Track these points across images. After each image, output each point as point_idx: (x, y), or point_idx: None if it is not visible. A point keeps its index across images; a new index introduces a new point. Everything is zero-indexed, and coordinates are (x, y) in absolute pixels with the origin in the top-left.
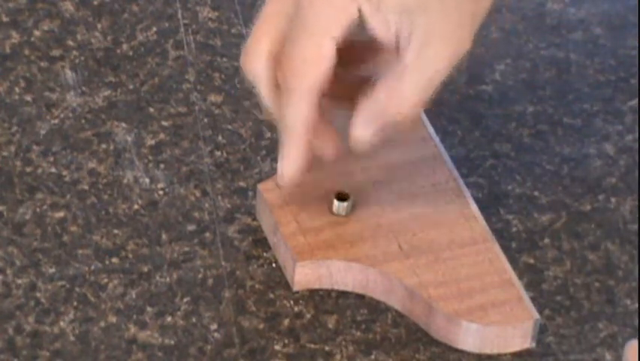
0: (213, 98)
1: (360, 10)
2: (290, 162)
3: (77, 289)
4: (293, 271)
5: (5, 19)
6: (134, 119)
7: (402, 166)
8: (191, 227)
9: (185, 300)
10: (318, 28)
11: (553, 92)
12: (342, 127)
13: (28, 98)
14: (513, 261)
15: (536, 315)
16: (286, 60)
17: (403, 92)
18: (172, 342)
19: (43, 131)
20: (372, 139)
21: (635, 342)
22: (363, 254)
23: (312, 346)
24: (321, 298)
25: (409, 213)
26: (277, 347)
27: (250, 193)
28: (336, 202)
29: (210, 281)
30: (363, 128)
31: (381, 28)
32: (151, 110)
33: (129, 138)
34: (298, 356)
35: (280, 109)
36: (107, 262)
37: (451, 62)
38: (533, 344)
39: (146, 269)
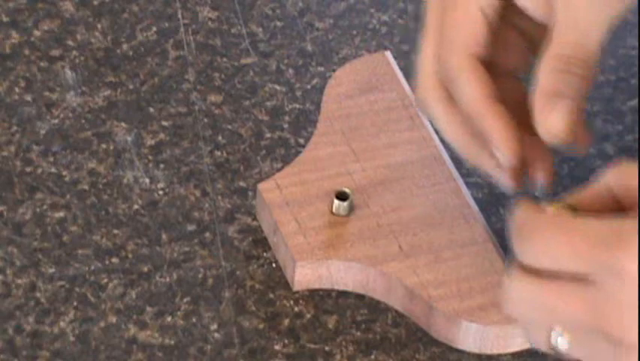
0: (213, 98)
1: None
2: (501, 144)
3: (77, 289)
4: (293, 271)
5: (5, 19)
6: (134, 119)
7: (402, 166)
8: (191, 227)
9: (185, 300)
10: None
11: None
12: None
13: (28, 98)
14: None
15: None
16: (440, 46)
17: (567, 37)
18: (172, 342)
19: (43, 131)
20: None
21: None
22: (363, 254)
23: (312, 346)
24: (321, 298)
25: (409, 213)
26: (277, 347)
27: (250, 193)
28: (336, 202)
29: (210, 281)
30: (550, 98)
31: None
32: (151, 110)
33: (129, 138)
34: (298, 356)
35: (462, 133)
36: (107, 262)
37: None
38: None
39: (146, 269)
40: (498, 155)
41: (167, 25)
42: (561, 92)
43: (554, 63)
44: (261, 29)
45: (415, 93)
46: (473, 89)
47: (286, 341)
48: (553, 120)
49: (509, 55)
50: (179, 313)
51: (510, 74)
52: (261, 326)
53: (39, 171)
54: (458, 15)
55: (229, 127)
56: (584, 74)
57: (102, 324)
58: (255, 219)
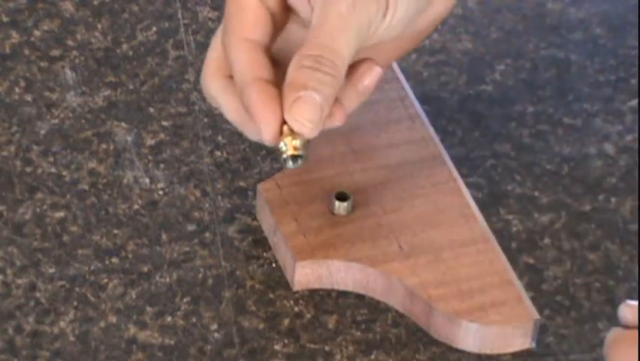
0: None
1: None
2: (258, 121)
3: (77, 289)
4: (293, 271)
5: (5, 19)
6: (134, 119)
7: (402, 166)
8: (191, 227)
9: (185, 300)
10: None
11: (553, 92)
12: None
13: (28, 98)
14: (513, 261)
15: (536, 315)
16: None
17: (316, 39)
18: (172, 342)
19: (43, 131)
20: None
21: (632, 303)
22: (363, 254)
23: (312, 346)
24: (321, 298)
25: (409, 213)
26: (277, 347)
27: (250, 193)
28: (336, 202)
29: (210, 281)
30: (292, 89)
31: None
32: (151, 110)
33: (129, 138)
34: (298, 356)
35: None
36: (107, 262)
37: (352, 4)
38: (533, 344)
39: (146, 269)
40: (259, 135)
41: (167, 25)
42: (308, 86)
43: (304, 61)
44: None
45: (200, 77)
46: (242, 69)
47: (286, 341)
48: (298, 110)
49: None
50: (179, 313)
51: None
52: (261, 326)
53: (39, 171)
54: (236, 3)
55: (229, 127)
56: (332, 73)
57: (102, 324)
58: (255, 219)
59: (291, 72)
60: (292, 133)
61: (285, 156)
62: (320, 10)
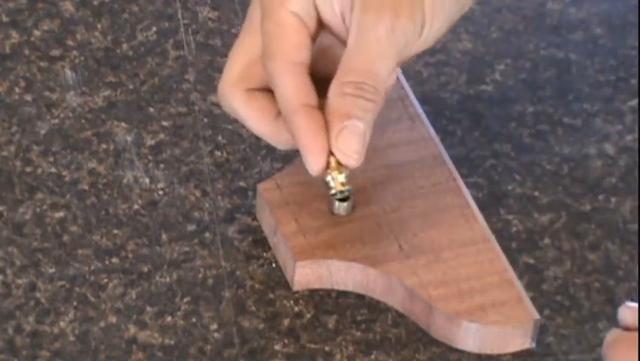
0: (213, 98)
1: None
2: (306, 153)
3: (77, 289)
4: (293, 271)
5: (5, 19)
6: (134, 119)
7: (402, 166)
8: (191, 227)
9: (185, 300)
10: (274, 3)
11: (553, 92)
12: None
13: (28, 98)
14: (513, 261)
15: (536, 315)
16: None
17: (355, 64)
18: (172, 342)
19: (43, 131)
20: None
21: (632, 304)
22: (363, 254)
23: (312, 346)
24: (321, 298)
25: (409, 213)
26: (277, 347)
27: (250, 193)
28: (336, 202)
29: (210, 281)
30: (338, 119)
31: (327, 10)
32: (151, 110)
33: (129, 138)
34: (298, 356)
35: (267, 123)
36: (107, 262)
37: (391, 29)
38: (533, 344)
39: (146, 269)
40: (305, 164)
41: (167, 25)
42: (352, 115)
43: (346, 88)
44: None
45: (218, 87)
46: (289, 94)
47: (286, 341)
48: (344, 142)
49: (330, 61)
50: (179, 313)
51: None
52: (261, 326)
53: (39, 171)
54: (276, 24)
55: (229, 127)
56: (374, 99)
57: (102, 324)
58: (255, 219)
59: (333, 99)
60: (338, 166)
61: (333, 191)
62: (357, 34)
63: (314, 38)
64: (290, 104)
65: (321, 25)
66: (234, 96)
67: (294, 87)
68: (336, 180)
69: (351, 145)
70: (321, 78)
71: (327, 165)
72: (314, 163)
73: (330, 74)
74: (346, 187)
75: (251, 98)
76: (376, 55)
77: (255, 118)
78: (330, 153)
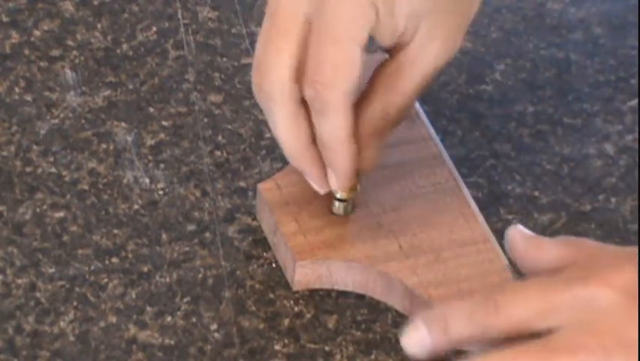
0: (213, 98)
1: (377, 14)
2: (343, 177)
3: (77, 289)
4: (293, 271)
5: (5, 19)
6: (134, 119)
7: (402, 166)
8: (191, 227)
9: (185, 300)
10: (345, 34)
11: (553, 92)
12: None
13: (28, 98)
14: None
15: None
16: (314, 71)
17: (401, 87)
18: (172, 342)
19: (43, 131)
20: (380, 148)
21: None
22: (363, 254)
23: (312, 346)
24: (321, 298)
25: (409, 213)
26: (277, 347)
27: (250, 193)
28: (336, 202)
29: (210, 281)
30: (373, 140)
31: (388, 31)
32: (151, 110)
33: (129, 138)
34: (298, 356)
35: (301, 132)
36: (107, 262)
37: (448, 59)
38: None
39: (146, 269)
40: (332, 185)
41: (167, 25)
42: (384, 138)
43: (376, 114)
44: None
45: (263, 84)
46: (340, 127)
47: (286, 341)
48: (371, 160)
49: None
50: (179, 313)
51: None
52: (261, 326)
53: (39, 171)
54: (345, 56)
55: (229, 127)
56: (399, 118)
57: (102, 324)
58: (255, 219)
59: (377, 121)
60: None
61: (339, 195)
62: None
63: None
64: (342, 134)
65: None
66: (290, 97)
67: (348, 119)
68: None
69: (376, 161)
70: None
71: None
72: (344, 189)
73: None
74: (354, 191)
75: (300, 112)
76: (409, 92)
77: (294, 132)
78: None
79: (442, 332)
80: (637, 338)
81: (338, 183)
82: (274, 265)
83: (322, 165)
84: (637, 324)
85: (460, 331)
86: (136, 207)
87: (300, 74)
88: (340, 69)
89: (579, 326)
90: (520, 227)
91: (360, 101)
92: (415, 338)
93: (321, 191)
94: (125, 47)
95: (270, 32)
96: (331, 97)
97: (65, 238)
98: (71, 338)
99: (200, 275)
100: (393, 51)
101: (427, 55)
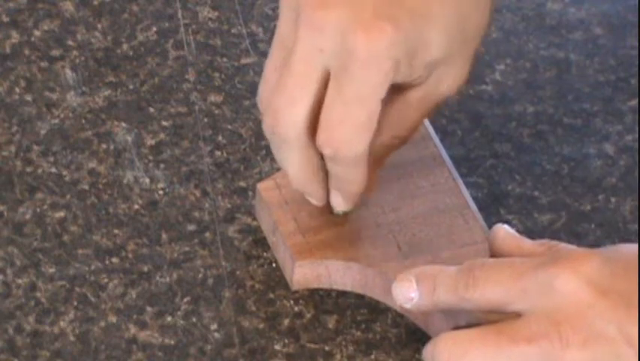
0: (213, 98)
1: (398, 68)
2: (351, 201)
3: (77, 289)
4: (292, 271)
5: (5, 19)
6: (134, 119)
7: (401, 166)
8: (191, 227)
9: (185, 300)
10: (371, 93)
11: (553, 92)
12: None
13: (28, 98)
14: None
15: None
16: (335, 129)
17: (410, 122)
18: (172, 342)
19: (43, 131)
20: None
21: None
22: (362, 254)
23: (312, 346)
24: (321, 298)
25: (409, 213)
26: (277, 347)
27: (250, 193)
28: None
29: (210, 281)
30: (377, 165)
31: (401, 77)
32: (151, 110)
33: (129, 138)
34: (298, 356)
35: (311, 166)
36: (107, 262)
37: (459, 88)
38: None
39: (146, 269)
40: (337, 206)
41: (167, 25)
42: (383, 160)
43: (383, 145)
44: (261, 29)
45: (276, 127)
46: (356, 177)
47: (286, 341)
48: (370, 179)
49: None
50: (179, 313)
51: None
52: (261, 326)
53: (39, 171)
54: (362, 113)
55: (229, 127)
56: (403, 144)
57: (102, 324)
58: (254, 219)
59: (385, 149)
60: None
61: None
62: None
63: None
64: (359, 180)
65: None
66: (304, 147)
67: (366, 169)
68: None
69: (377, 183)
70: None
71: None
72: (347, 208)
73: None
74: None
75: (310, 143)
76: (413, 124)
77: (301, 163)
78: None
79: (428, 293)
80: (601, 330)
81: (344, 205)
82: (274, 265)
83: (326, 186)
84: (601, 318)
85: (443, 297)
86: (136, 207)
87: (314, 120)
88: (363, 127)
89: (542, 312)
90: (506, 226)
91: None
92: (404, 288)
93: (320, 205)
94: (125, 46)
95: (285, 79)
96: (353, 154)
97: (65, 237)
98: (71, 338)
99: (200, 275)
100: (402, 85)
101: (439, 90)
